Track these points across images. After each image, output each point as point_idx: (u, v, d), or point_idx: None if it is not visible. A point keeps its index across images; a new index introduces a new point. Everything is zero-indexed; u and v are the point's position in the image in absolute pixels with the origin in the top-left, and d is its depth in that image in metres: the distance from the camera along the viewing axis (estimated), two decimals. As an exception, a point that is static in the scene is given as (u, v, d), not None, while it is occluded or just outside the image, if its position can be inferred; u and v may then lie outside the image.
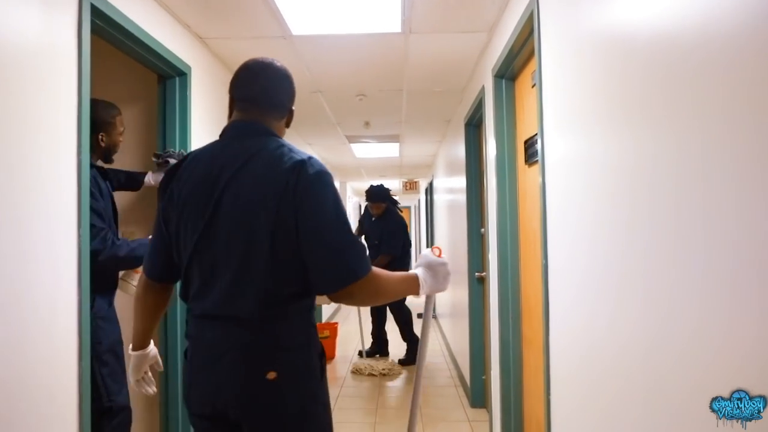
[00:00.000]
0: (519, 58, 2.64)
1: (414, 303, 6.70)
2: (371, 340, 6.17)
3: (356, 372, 5.45)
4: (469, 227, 4.25)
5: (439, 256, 1.56)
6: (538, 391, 2.51)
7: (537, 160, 2.45)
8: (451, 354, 5.90)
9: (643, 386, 1.25)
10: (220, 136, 1.51)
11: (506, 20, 2.68)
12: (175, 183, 1.47)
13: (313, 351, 1.41)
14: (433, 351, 6.36)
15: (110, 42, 2.30)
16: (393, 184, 11.79)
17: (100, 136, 2.35)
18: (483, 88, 3.31)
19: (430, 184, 8.95)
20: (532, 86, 2.52)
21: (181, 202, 1.43)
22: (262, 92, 1.49)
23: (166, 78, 2.81)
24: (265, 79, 1.50)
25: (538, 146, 2.10)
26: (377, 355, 6.01)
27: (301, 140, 6.16)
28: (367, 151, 7.09)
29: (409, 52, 3.34)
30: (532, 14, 2.12)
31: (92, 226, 2.06)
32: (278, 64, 1.53)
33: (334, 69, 3.69)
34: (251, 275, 1.34)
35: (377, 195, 5.91)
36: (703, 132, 0.99)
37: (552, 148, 1.98)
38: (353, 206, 13.82)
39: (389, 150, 7.12)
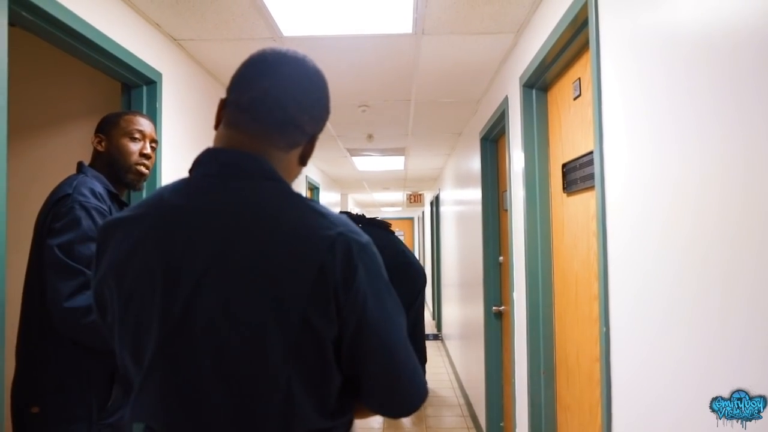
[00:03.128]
0: (556, 64, 2.17)
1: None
2: None
3: None
4: (485, 254, 3.77)
5: None
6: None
7: (581, 189, 1.99)
8: (461, 386, 5.39)
9: None
10: (190, 171, 0.92)
11: (541, 18, 2.21)
12: (110, 253, 0.89)
13: None
14: (441, 380, 5.86)
15: (49, 41, 1.84)
16: (397, 197, 11.35)
17: (95, 139, 1.75)
18: (506, 100, 2.84)
19: (437, 198, 8.50)
20: (575, 98, 2.06)
21: (124, 288, 0.86)
22: (267, 98, 0.89)
23: (132, 87, 2.35)
24: (280, 77, 0.91)
25: (595, 170, 1.64)
26: None
27: (299, 153, 5.69)
28: (370, 164, 6.63)
29: (421, 56, 2.87)
30: (585, 6, 1.65)
31: (65, 266, 1.48)
32: (310, 61, 0.96)
33: (334, 76, 3.19)
34: (259, 421, 0.82)
35: None
36: None
37: (617, 172, 1.52)
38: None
39: (394, 163, 6.66)
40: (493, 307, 3.65)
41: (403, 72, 3.14)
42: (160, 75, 2.39)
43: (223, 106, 0.95)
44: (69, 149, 2.50)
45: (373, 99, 3.73)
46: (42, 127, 2.56)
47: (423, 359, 5.27)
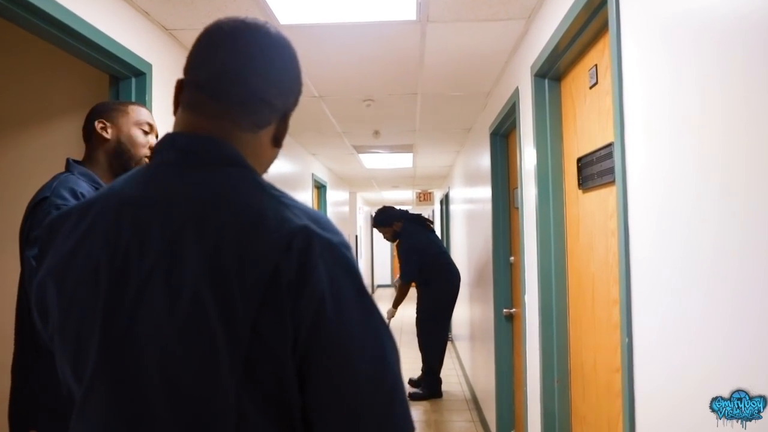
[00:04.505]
0: (570, 51, 2.02)
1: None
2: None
3: None
4: (494, 254, 3.62)
5: None
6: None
7: (599, 184, 1.84)
8: (471, 389, 5.24)
9: None
10: (150, 158, 0.85)
11: (553, 2, 2.06)
12: (52, 253, 0.78)
13: None
14: (450, 383, 5.70)
15: (27, 29, 1.72)
16: (406, 195, 11.21)
17: (99, 124, 1.61)
18: (517, 91, 2.69)
19: (446, 196, 8.35)
20: (591, 87, 1.91)
21: (64, 292, 0.75)
22: (226, 72, 0.78)
23: (120, 79, 2.23)
24: (238, 48, 0.78)
25: (616, 163, 1.49)
26: None
27: (304, 150, 5.56)
28: (378, 161, 6.50)
29: (426, 46, 2.73)
30: (604, -17, 1.50)
31: None
32: (273, 28, 0.82)
33: (335, 68, 3.09)
34: None
35: (376, 221, 5.46)
36: None
37: (640, 165, 1.37)
38: (365, 218, 13.23)
39: (402, 160, 6.52)
40: (504, 310, 3.50)
41: (408, 63, 3.00)
42: (149, 66, 2.26)
43: (181, 88, 0.82)
44: (59, 144, 2.38)
45: (377, 92, 3.59)
46: (28, 122, 2.45)
47: (440, 361, 5.18)
